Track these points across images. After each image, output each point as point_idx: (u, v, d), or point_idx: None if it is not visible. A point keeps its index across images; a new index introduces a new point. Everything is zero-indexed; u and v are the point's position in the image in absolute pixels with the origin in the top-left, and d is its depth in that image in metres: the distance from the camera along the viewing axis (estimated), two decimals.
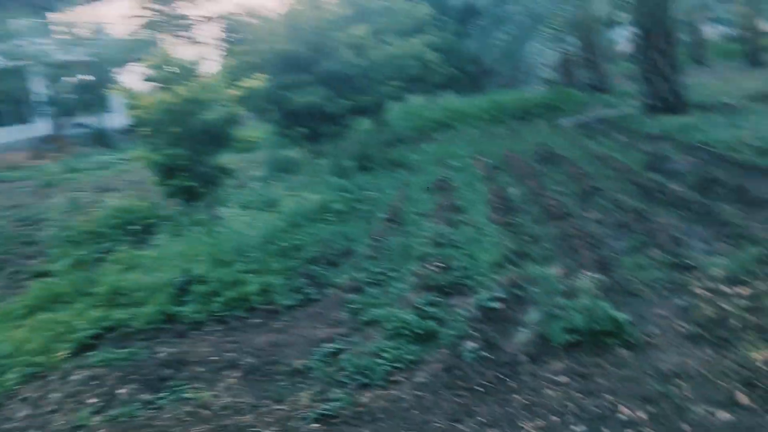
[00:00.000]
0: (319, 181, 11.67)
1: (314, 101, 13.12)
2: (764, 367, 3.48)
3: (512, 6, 21.02)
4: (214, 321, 5.92)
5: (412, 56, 15.02)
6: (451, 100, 26.43)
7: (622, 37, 43.99)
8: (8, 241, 10.29)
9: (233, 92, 9.73)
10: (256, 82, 10.30)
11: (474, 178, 11.37)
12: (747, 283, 4.64)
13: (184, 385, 4.59)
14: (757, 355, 3.59)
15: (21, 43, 23.97)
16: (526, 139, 15.36)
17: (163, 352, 5.25)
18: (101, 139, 26.40)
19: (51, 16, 28.45)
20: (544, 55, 16.41)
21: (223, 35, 23.95)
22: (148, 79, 9.64)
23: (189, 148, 9.33)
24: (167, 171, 9.35)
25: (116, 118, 28.17)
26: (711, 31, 45.81)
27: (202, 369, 4.91)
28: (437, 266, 6.27)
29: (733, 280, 4.75)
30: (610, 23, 23.85)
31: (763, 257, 5.11)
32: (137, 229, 9.98)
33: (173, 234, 8.97)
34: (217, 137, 9.58)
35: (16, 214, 12.53)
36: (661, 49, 15.71)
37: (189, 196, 9.61)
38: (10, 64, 24.30)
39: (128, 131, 28.12)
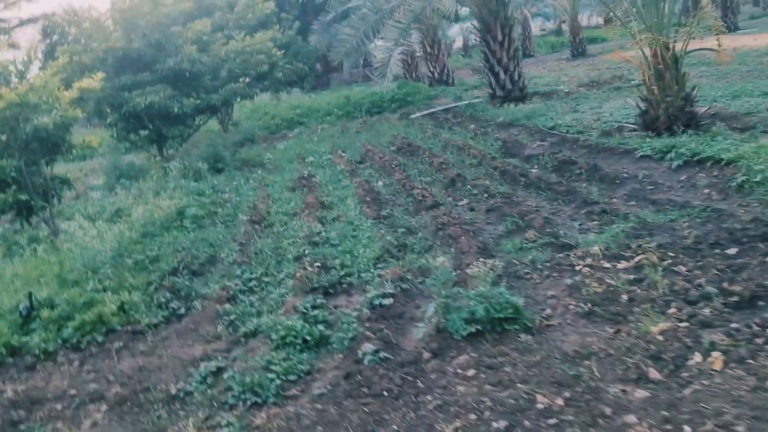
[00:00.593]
0: (170, 186, 10.88)
1: (158, 101, 12.22)
2: (664, 339, 3.51)
3: (357, 1, 21.08)
4: (69, 349, 5.20)
5: (258, 51, 14.48)
6: (300, 97, 26.07)
7: (459, 32, 45.90)
8: None
9: (67, 94, 8.74)
10: (92, 83, 9.35)
11: (338, 173, 11.14)
12: (625, 258, 4.75)
13: (41, 427, 3.95)
14: (655, 328, 3.62)
15: None
16: (383, 133, 15.37)
17: (10, 390, 4.50)
18: None
19: None
20: (390, 50, 16.47)
21: (49, 35, 21.87)
22: None
23: (19, 157, 8.27)
24: None
25: None
26: (536, 25, 49.17)
27: (61, 406, 4.26)
28: (316, 266, 5.94)
29: (612, 256, 4.85)
30: (454, 18, 24.59)
31: (632, 231, 5.29)
32: None
33: (7, 254, 7.91)
34: (52, 144, 8.57)
35: None
36: (501, 41, 16.34)
37: (23, 211, 8.53)
38: None
39: None
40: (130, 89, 12.10)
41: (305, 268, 5.91)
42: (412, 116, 17.73)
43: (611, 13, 10.81)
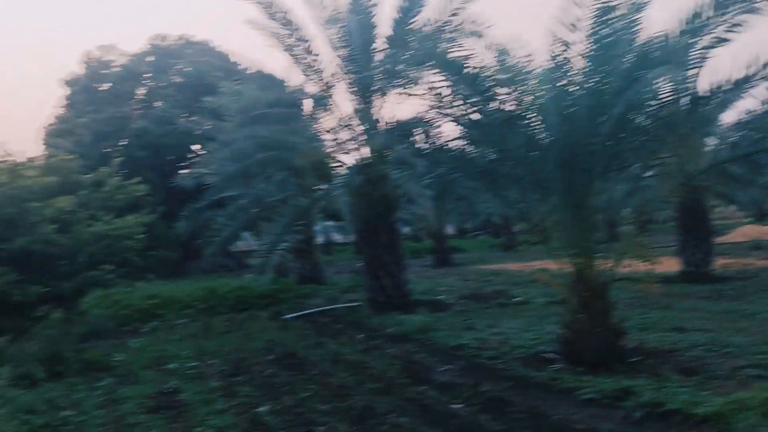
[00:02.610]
0: None
1: None
2: None
3: (232, 191, 20.26)
4: None
5: (126, 236, 12.83)
6: (155, 286, 23.70)
7: (320, 230, 46.35)
8: None
9: None
10: None
11: (209, 391, 9.23)
12: None
13: None
14: None
15: None
16: (255, 336, 13.72)
17: None
18: None
19: None
20: (272, 244, 15.45)
21: None
22: None
23: None
24: None
25: None
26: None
27: None
28: None
29: None
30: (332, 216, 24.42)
31: None
32: None
33: None
34: None
35: None
36: (385, 245, 15.86)
37: None
38: None
39: None
40: None
41: None
42: (286, 317, 16.30)
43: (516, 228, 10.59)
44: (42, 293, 10.95)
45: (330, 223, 43.22)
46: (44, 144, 35.96)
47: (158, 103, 35.92)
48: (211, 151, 19.86)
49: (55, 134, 36.06)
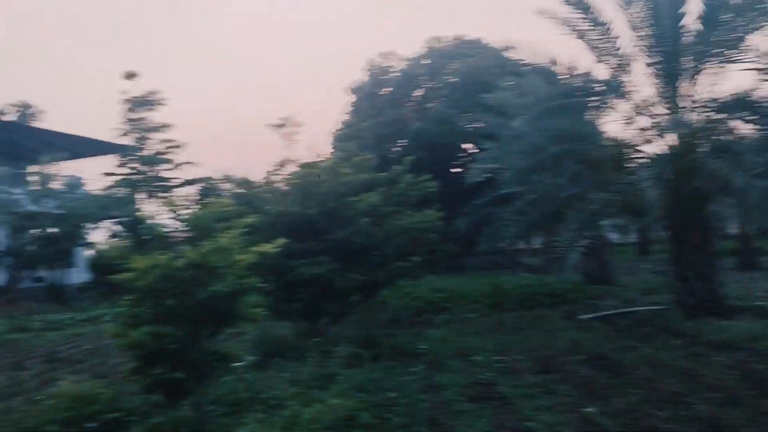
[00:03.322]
0: (329, 375, 9.29)
1: (322, 273, 11.09)
2: None
3: (510, 188, 19.96)
4: None
5: (428, 230, 13.30)
6: (439, 280, 24.46)
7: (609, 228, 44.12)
8: None
9: (244, 258, 7.61)
10: (271, 247, 8.22)
11: (526, 386, 9.08)
12: None
13: None
14: None
15: None
16: (555, 335, 13.32)
17: None
18: (58, 294, 23.83)
19: (33, 168, 27.25)
20: (571, 240, 14.88)
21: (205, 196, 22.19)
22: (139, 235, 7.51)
23: (183, 326, 7.01)
24: (150, 356, 6.89)
25: (77, 274, 26.18)
26: None
27: None
28: None
29: None
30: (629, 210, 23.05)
31: None
32: (95, 427, 7.36)
33: None
34: (223, 314, 7.31)
35: None
36: (696, 244, 14.42)
37: (173, 390, 7.10)
38: None
39: (87, 288, 25.65)
40: (296, 257, 11.06)
41: None
42: (582, 317, 15.64)
43: None
44: (359, 281, 11.79)
45: (605, 222, 41.03)
46: (332, 148, 39.28)
47: (433, 104, 37.12)
48: (495, 147, 19.82)
49: (342, 138, 39.11)
